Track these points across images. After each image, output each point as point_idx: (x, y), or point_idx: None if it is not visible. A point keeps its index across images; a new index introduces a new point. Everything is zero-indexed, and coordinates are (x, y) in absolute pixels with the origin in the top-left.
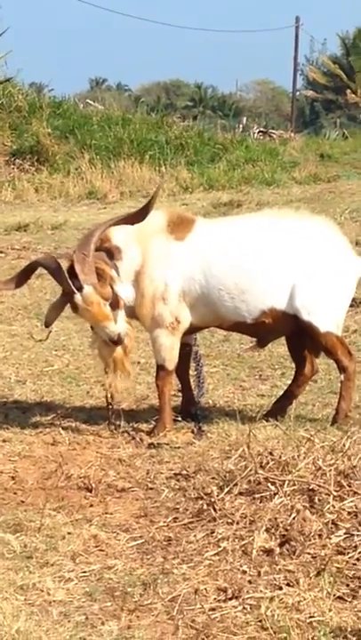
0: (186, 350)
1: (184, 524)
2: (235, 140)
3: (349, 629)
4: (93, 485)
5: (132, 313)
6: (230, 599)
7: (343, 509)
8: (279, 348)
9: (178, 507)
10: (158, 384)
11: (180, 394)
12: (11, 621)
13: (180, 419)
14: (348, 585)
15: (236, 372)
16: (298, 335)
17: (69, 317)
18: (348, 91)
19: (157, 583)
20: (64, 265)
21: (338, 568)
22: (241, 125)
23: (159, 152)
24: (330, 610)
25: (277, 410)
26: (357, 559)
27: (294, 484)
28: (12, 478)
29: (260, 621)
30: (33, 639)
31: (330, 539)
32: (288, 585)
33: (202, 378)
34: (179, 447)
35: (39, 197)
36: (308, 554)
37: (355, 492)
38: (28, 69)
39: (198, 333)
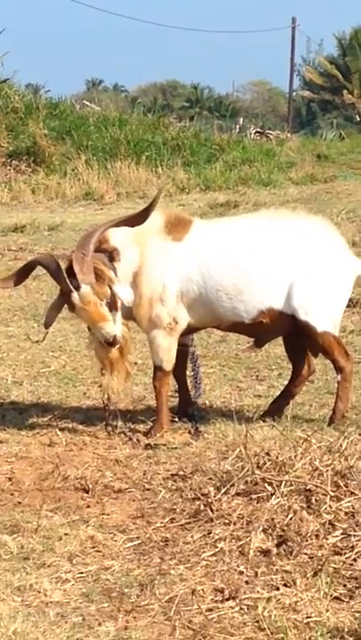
0: (183, 351)
1: (181, 525)
2: (231, 140)
3: (346, 630)
4: (90, 486)
5: (130, 314)
6: (227, 600)
7: (340, 510)
8: (276, 348)
9: (175, 507)
10: (156, 385)
11: (177, 394)
12: (7, 622)
13: (176, 419)
14: (345, 585)
15: (233, 373)
16: (295, 335)
17: (66, 318)
18: (345, 91)
19: (154, 584)
20: (63, 265)
21: (335, 568)
22: (238, 126)
23: (156, 153)
24: (327, 610)
25: (274, 410)
26: (354, 559)
27: (291, 485)
28: (9, 479)
29: (258, 622)
30: None
31: (327, 539)
32: (285, 585)
33: (199, 378)
34: (176, 448)
35: (36, 198)
36: (306, 554)
37: (352, 493)
38: (25, 70)
39: (195, 334)
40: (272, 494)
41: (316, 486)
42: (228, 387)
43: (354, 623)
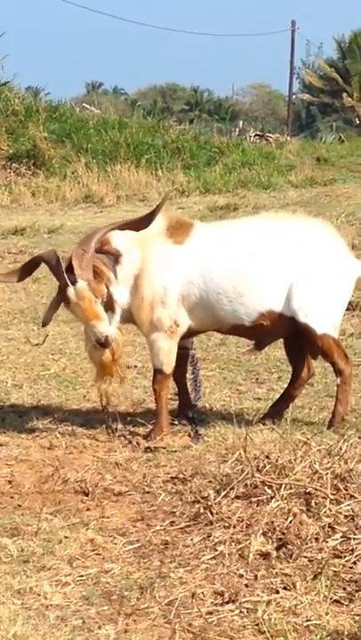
0: (183, 354)
1: (181, 528)
2: (231, 143)
3: (346, 633)
4: (90, 489)
5: (130, 317)
6: (227, 603)
7: (340, 513)
8: (275, 351)
9: (174, 510)
10: (155, 388)
11: (177, 398)
12: (7, 625)
13: (176, 422)
14: (344, 588)
15: (233, 376)
16: (295, 338)
17: (66, 321)
18: (345, 94)
19: (154, 587)
20: (66, 262)
21: (335, 571)
22: (237, 129)
23: (155, 156)
24: (327, 613)
25: (274, 413)
26: (354, 562)
27: (291, 488)
28: (9, 482)
29: (257, 625)
30: None
31: (327, 542)
32: (285, 588)
33: (198, 381)
34: (175, 451)
35: (36, 201)
36: (305, 557)
37: (351, 496)
38: (25, 73)
39: (195, 337)
40: (272, 497)
41: (316, 489)
42: (228, 390)
43: (354, 626)
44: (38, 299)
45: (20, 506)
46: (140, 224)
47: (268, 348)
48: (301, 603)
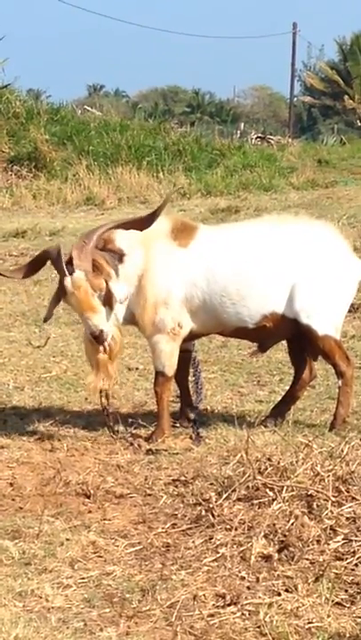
0: (186, 357)
1: (182, 530)
2: (232, 145)
3: (348, 635)
4: (92, 492)
5: (132, 319)
6: (229, 605)
7: (342, 515)
8: (277, 353)
9: (176, 513)
10: (157, 390)
11: (178, 400)
12: (9, 628)
13: (177, 425)
14: (346, 591)
15: (235, 378)
16: (298, 340)
17: (67, 324)
18: (346, 97)
19: (156, 589)
20: (67, 256)
21: (336, 574)
22: (239, 131)
23: (157, 158)
24: (328, 616)
25: (276, 415)
26: (356, 565)
27: (293, 490)
28: (11, 485)
29: (259, 627)
30: None
31: (328, 544)
32: (287, 591)
33: (200, 384)
34: (177, 453)
35: (37, 204)
36: (307, 560)
37: (353, 498)
38: (26, 76)
39: (196, 340)
40: (273, 500)
41: (318, 492)
42: (230, 392)
43: (355, 629)
44: (40, 301)
45: (21, 508)
46: (143, 223)
47: (270, 350)
48: (303, 605)
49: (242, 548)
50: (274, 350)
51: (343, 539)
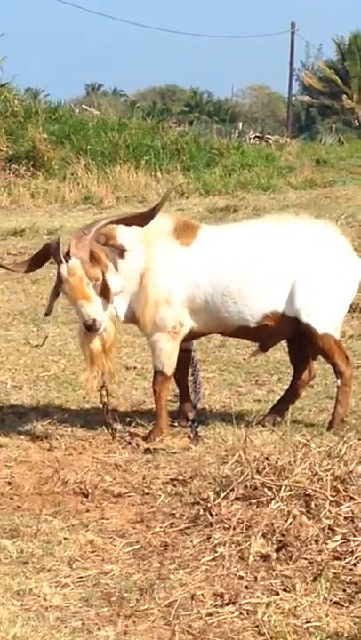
0: (185, 356)
1: (180, 530)
2: (231, 145)
3: (346, 635)
4: (90, 491)
5: (133, 317)
6: (227, 604)
7: (340, 514)
8: (275, 353)
9: (174, 512)
10: (156, 389)
11: (176, 399)
12: (7, 627)
13: (175, 424)
14: (344, 590)
15: (233, 378)
16: (298, 339)
17: (65, 323)
18: (344, 96)
19: (154, 588)
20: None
21: (334, 573)
22: (237, 131)
23: (155, 157)
24: (326, 615)
25: (274, 415)
26: (354, 564)
27: (291, 490)
28: (9, 483)
29: (257, 627)
30: None
31: (326, 544)
32: (285, 590)
33: (198, 383)
34: (175, 452)
35: (35, 202)
36: (305, 559)
37: (351, 498)
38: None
39: (196, 339)
40: (272, 499)
41: (316, 491)
42: (228, 391)
43: (353, 628)
44: (38, 300)
45: (19, 507)
46: (144, 219)
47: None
48: (301, 604)
49: (240, 548)
50: (272, 350)
51: (341, 538)
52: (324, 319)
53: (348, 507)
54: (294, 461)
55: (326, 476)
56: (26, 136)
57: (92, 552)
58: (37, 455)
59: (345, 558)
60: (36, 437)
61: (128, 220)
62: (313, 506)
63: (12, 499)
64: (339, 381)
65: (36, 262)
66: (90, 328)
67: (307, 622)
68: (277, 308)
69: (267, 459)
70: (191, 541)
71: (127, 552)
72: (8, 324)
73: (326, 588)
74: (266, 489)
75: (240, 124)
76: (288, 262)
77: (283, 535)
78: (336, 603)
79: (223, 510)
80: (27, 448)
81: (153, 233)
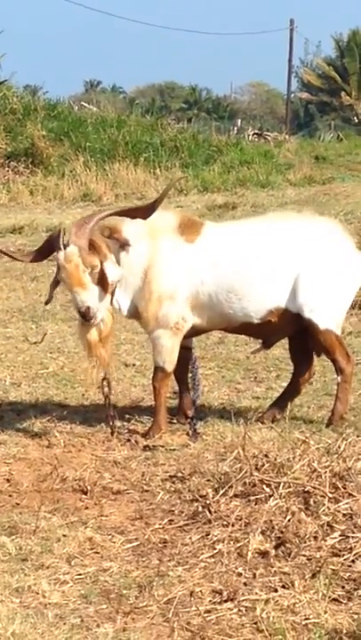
0: (185, 353)
1: (179, 527)
2: (229, 142)
3: (345, 631)
4: (88, 488)
5: (135, 312)
6: (226, 601)
7: (338, 511)
8: (274, 350)
9: (173, 509)
10: (155, 385)
11: (175, 396)
12: (6, 624)
13: (174, 421)
14: (343, 587)
15: (232, 375)
16: (299, 337)
17: (64, 320)
18: (343, 93)
19: (153, 585)
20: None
21: (333, 570)
22: (235, 127)
23: (154, 154)
24: (325, 612)
25: (273, 412)
26: (353, 561)
27: (289, 486)
28: (7, 481)
29: (256, 623)
30: None
31: (325, 541)
32: (283, 587)
33: (197, 380)
34: (174, 449)
35: (34, 200)
36: (304, 556)
37: (350, 494)
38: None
39: (199, 335)
40: (270, 496)
41: (315, 488)
42: (227, 388)
43: (352, 625)
44: (37, 297)
45: (18, 504)
46: (145, 212)
47: None
48: (300, 601)
49: (239, 545)
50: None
51: (340, 535)
52: (327, 315)
53: (346, 503)
54: (293, 458)
55: (325, 472)
56: (24, 133)
57: (91, 549)
58: (36, 452)
59: (344, 555)
60: (35, 434)
61: (130, 212)
62: (312, 503)
63: (10, 496)
64: (339, 378)
65: (42, 252)
66: (83, 315)
67: (305, 619)
68: (281, 304)
69: (266, 456)
70: (190, 538)
71: (126, 549)
72: (7, 321)
73: (325, 584)
74: (265, 486)
75: (239, 120)
76: (292, 258)
77: (281, 532)
78: (335, 599)
79: (222, 507)
80: (25, 445)
81: (158, 229)
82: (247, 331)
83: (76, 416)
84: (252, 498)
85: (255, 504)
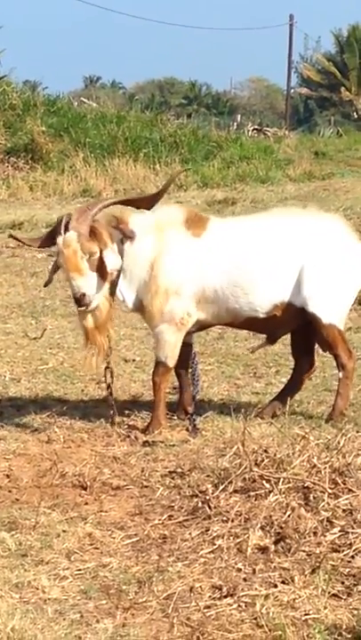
0: (187, 349)
1: (179, 522)
2: (229, 137)
3: (344, 627)
4: (88, 483)
5: (139, 305)
6: (225, 597)
7: (338, 507)
8: (274, 346)
9: (173, 504)
10: (156, 380)
11: (174, 391)
12: (6, 620)
13: (175, 417)
14: (342, 582)
15: (231, 370)
16: (302, 332)
17: (64, 315)
18: (343, 88)
19: (152, 581)
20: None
21: (333, 565)
22: (235, 123)
23: (153, 150)
24: (325, 607)
25: (272, 408)
26: (352, 557)
27: (289, 482)
28: (7, 476)
29: (255, 619)
30: (28, 637)
31: (325, 536)
32: (283, 582)
33: (196, 376)
34: (173, 445)
35: (33, 195)
36: (303, 551)
37: (349, 490)
38: (22, 67)
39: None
40: (270, 491)
41: (314, 483)
42: (226, 384)
43: (352, 620)
44: (36, 293)
45: (17, 500)
46: (149, 201)
47: None
48: (300, 597)
49: (238, 540)
50: None
51: (340, 530)
52: (331, 310)
53: (346, 499)
54: (293, 454)
55: (325, 468)
56: (24, 129)
57: (91, 545)
58: (36, 448)
59: (343, 550)
60: (35, 430)
61: (134, 202)
62: (311, 498)
63: (10, 491)
64: (341, 374)
65: (50, 238)
66: (78, 301)
67: (305, 614)
68: (286, 299)
69: (265, 451)
70: (190, 534)
71: (126, 545)
72: (6, 316)
73: (325, 580)
74: (264, 481)
75: (239, 116)
76: (297, 253)
77: (281, 527)
78: (334, 595)
79: (222, 503)
80: (25, 441)
81: (165, 222)
82: (252, 325)
83: (75, 412)
84: (251, 493)
85: (255, 500)
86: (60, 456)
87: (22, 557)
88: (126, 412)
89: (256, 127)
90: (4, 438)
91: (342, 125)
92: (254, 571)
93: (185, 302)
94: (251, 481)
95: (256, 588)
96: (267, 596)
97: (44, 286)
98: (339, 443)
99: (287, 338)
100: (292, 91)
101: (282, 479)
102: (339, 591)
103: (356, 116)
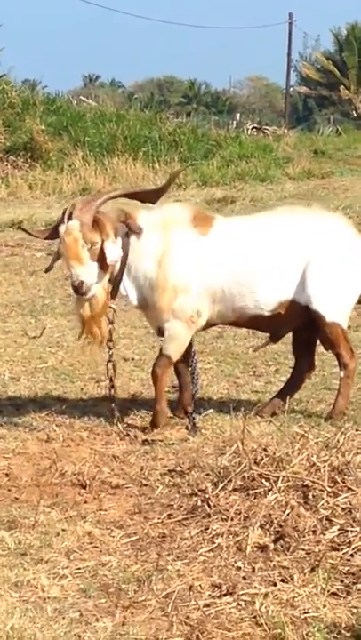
0: (187, 348)
1: (178, 521)
2: (228, 136)
3: (344, 625)
4: (87, 482)
5: (145, 302)
6: (225, 595)
7: (337, 505)
8: (273, 344)
9: (172, 503)
10: (157, 371)
11: (173, 390)
12: (5, 618)
13: (174, 415)
14: (342, 581)
15: (230, 369)
16: (304, 330)
17: (63, 314)
18: (342, 87)
19: (152, 580)
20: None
21: (332, 564)
22: (234, 122)
23: (153, 148)
24: (324, 606)
25: (272, 406)
26: (351, 555)
27: (288, 481)
28: (7, 475)
29: (255, 617)
30: (27, 636)
31: (324, 535)
32: (282, 581)
33: (196, 374)
34: (173, 444)
35: (33, 194)
36: (303, 550)
37: (349, 488)
38: (22, 66)
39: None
40: (269, 490)
41: (314, 482)
42: (226, 382)
43: (351, 619)
44: (36, 291)
45: (17, 499)
46: (154, 195)
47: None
48: (299, 595)
49: (238, 539)
50: None
51: (339, 529)
52: (334, 308)
53: (345, 497)
54: (292, 452)
55: (324, 466)
56: (23, 127)
57: (90, 543)
58: (35, 447)
59: (343, 549)
60: (34, 429)
61: (139, 194)
62: (311, 497)
63: (9, 490)
64: (342, 373)
65: (57, 230)
66: (76, 289)
67: (304, 613)
68: (290, 297)
69: (264, 450)
70: (189, 532)
71: (125, 543)
72: (6, 315)
73: (324, 578)
74: (264, 480)
75: (238, 114)
76: (301, 251)
77: (280, 526)
78: (334, 593)
79: (221, 501)
80: (24, 439)
81: (172, 220)
82: (257, 324)
83: (74, 410)
84: (251, 492)
85: (254, 498)
86: (60, 455)
87: (21, 556)
88: (125, 410)
89: (255, 126)
90: (3, 437)
91: (341, 124)
92: (254, 569)
93: (194, 300)
94: (250, 479)
95: (255, 587)
96: (266, 595)
97: (45, 272)
98: (338, 441)
99: (287, 337)
100: (292, 89)
101: (281, 478)
102: (338, 589)
103: (355, 115)
